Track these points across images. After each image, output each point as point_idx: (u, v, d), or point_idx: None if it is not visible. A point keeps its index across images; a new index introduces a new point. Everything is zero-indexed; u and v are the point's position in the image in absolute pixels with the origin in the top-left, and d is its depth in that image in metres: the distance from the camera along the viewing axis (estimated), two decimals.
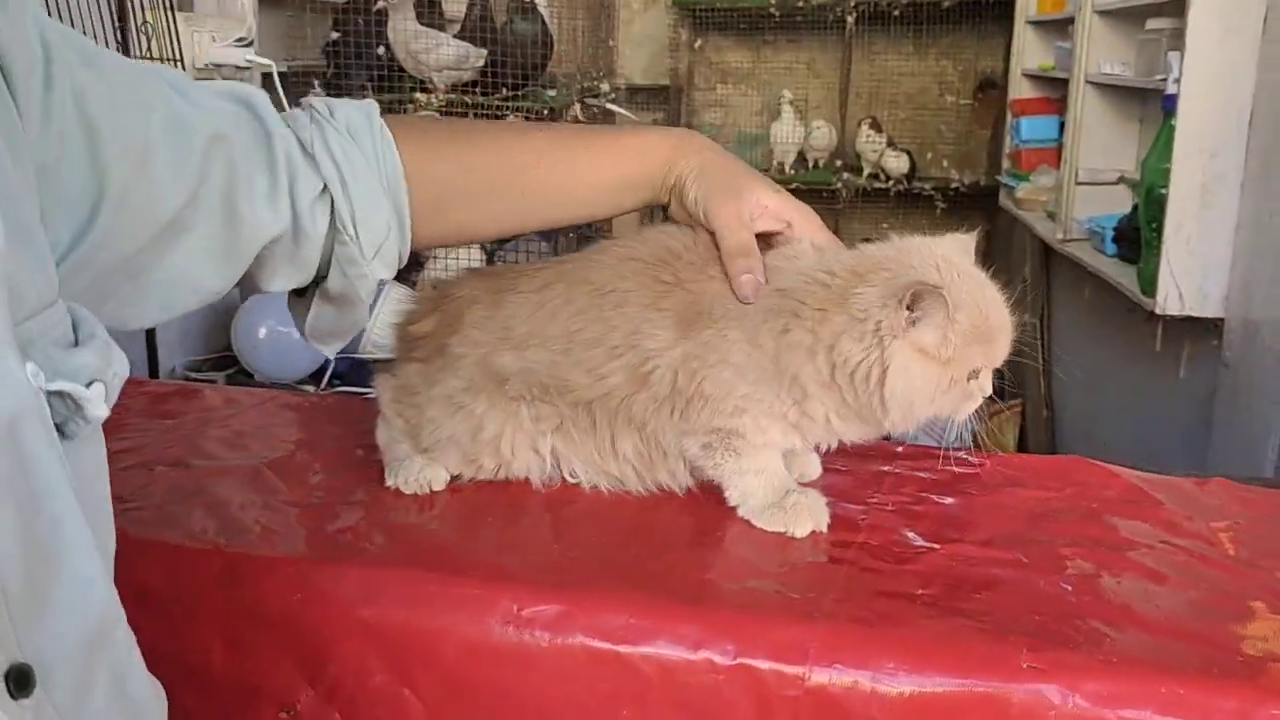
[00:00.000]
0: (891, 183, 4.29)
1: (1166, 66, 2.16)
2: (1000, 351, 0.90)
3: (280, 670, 0.85)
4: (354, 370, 2.44)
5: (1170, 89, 2.10)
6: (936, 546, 0.89)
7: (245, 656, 0.85)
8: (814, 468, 1.03)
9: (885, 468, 1.06)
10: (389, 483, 0.98)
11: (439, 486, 0.98)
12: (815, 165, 4.48)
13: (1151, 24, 2.45)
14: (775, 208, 0.95)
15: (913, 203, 4.43)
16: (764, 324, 0.89)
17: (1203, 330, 2.22)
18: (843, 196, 4.35)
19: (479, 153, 0.93)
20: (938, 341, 0.85)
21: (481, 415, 0.95)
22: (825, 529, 0.91)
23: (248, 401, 1.26)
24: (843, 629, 0.77)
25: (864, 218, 4.53)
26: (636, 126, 0.99)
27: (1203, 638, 0.76)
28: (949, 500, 0.99)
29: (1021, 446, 3.75)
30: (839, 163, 4.40)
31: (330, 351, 0.97)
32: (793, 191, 3.58)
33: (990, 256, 4.49)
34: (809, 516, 0.91)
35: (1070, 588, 0.82)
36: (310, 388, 2.32)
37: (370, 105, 0.91)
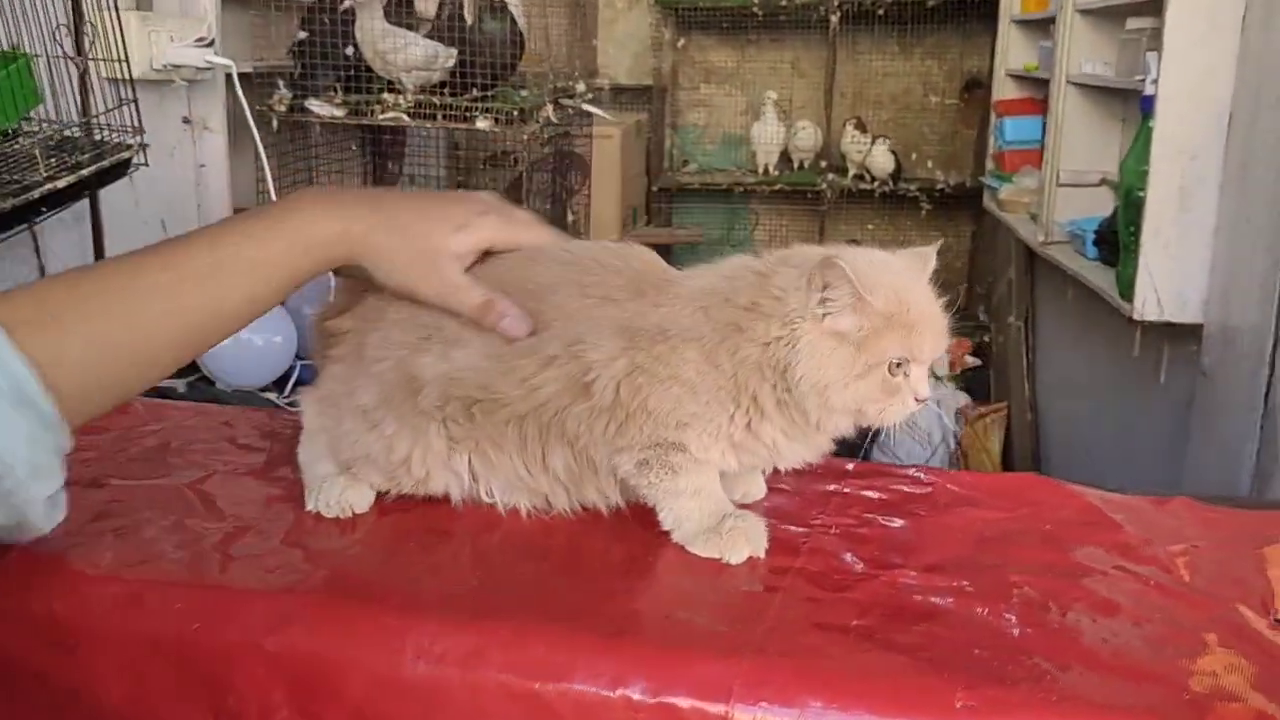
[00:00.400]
0: (877, 184, 4.24)
1: (1145, 67, 2.11)
2: (925, 346, 0.85)
3: (181, 703, 0.80)
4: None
5: (1148, 90, 2.06)
6: (878, 573, 0.85)
7: (146, 689, 0.81)
8: (758, 488, 0.98)
9: (833, 487, 1.01)
10: (308, 506, 0.94)
11: (361, 509, 0.93)
12: (800, 166, 4.44)
13: (1132, 23, 2.41)
14: (480, 242, 0.90)
15: (898, 204, 4.39)
16: (721, 344, 0.84)
17: (1183, 336, 2.18)
18: (827, 197, 4.31)
19: (115, 310, 0.80)
20: (848, 322, 0.82)
21: (391, 436, 0.90)
22: (763, 554, 0.87)
23: (177, 416, 1.21)
24: (769, 664, 0.73)
25: (849, 219, 4.49)
26: (276, 212, 0.88)
27: (1150, 674, 0.72)
28: (897, 522, 0.95)
29: (1006, 451, 3.72)
30: (824, 163, 4.36)
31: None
32: (776, 193, 3.56)
33: (975, 258, 4.46)
34: (745, 542, 0.86)
35: (1014, 619, 0.78)
36: (273, 395, 2.27)
37: None
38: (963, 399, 3.88)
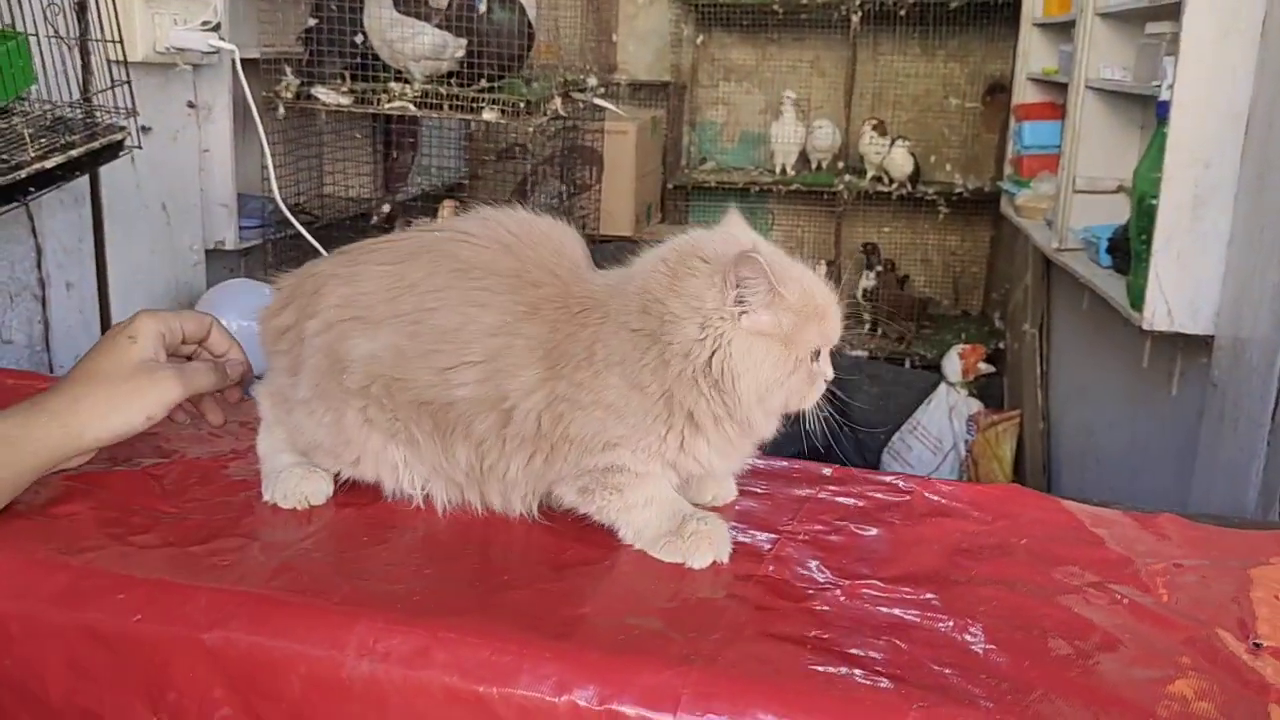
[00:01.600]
0: (895, 186, 4.19)
1: (1162, 72, 2.07)
2: (834, 329, 0.85)
3: (121, 696, 0.78)
4: None
5: (1164, 95, 2.01)
6: (843, 583, 0.82)
7: (85, 680, 0.79)
8: (728, 490, 0.96)
9: (807, 492, 0.98)
10: (265, 496, 0.92)
11: (317, 500, 0.91)
12: (818, 166, 4.39)
13: (1151, 28, 2.36)
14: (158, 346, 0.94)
15: (915, 207, 4.33)
16: (642, 363, 0.81)
17: (1194, 347, 2.13)
18: (844, 199, 4.26)
19: None
20: (767, 319, 0.81)
21: (329, 423, 0.88)
22: (726, 559, 0.84)
23: None
24: (719, 674, 0.70)
25: (866, 220, 4.44)
26: None
27: (1118, 699, 0.68)
28: (869, 531, 0.92)
29: (1018, 459, 3.67)
30: (842, 164, 4.31)
31: None
32: (792, 193, 3.52)
33: (993, 264, 4.40)
34: (709, 546, 0.84)
35: (980, 636, 0.75)
36: None
37: None
38: (975, 406, 3.83)
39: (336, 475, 0.93)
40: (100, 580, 0.80)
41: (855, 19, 4.14)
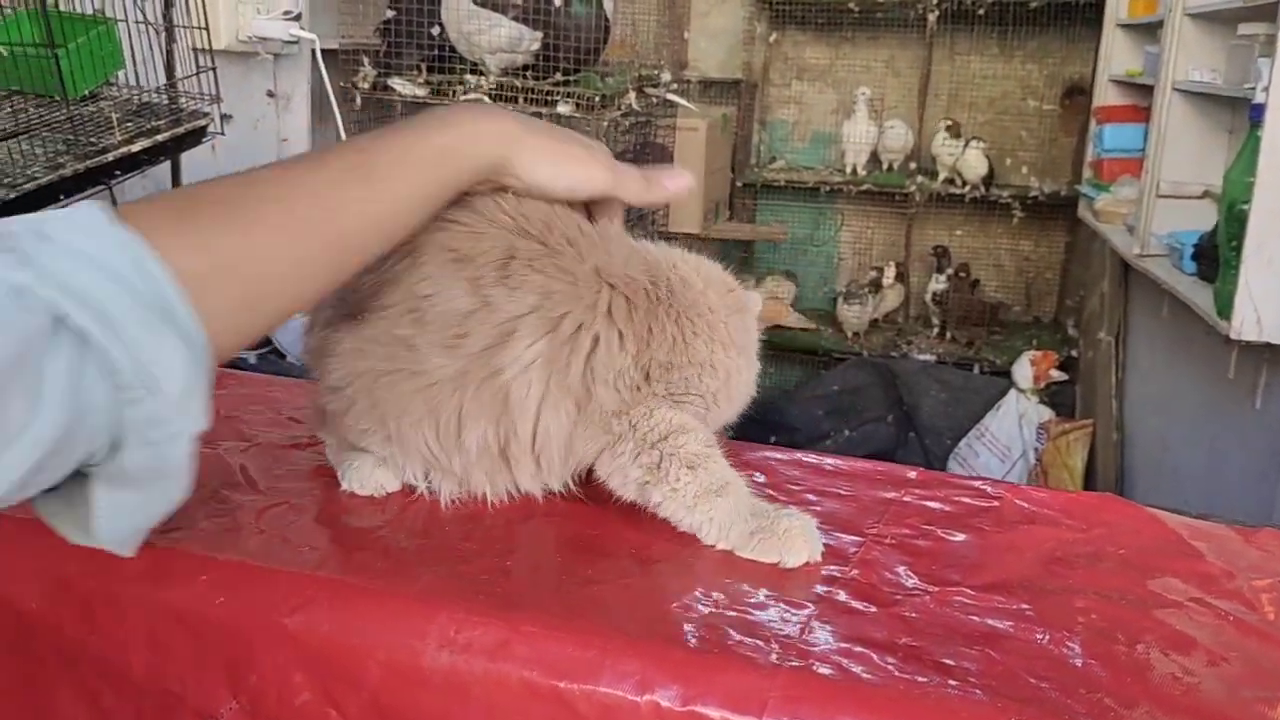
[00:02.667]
0: (968, 188, 4.13)
1: (1256, 74, 2.00)
2: None
3: (202, 678, 0.78)
4: None
5: (1258, 97, 1.95)
6: (932, 589, 0.79)
7: (167, 660, 0.79)
8: None
9: (893, 495, 0.96)
10: (343, 486, 0.91)
11: (393, 487, 0.91)
12: (889, 167, 4.34)
13: (1244, 29, 2.29)
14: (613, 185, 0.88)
15: (989, 210, 4.27)
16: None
17: None
18: (915, 200, 4.20)
19: (261, 232, 0.70)
20: None
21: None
22: (819, 557, 0.82)
23: (230, 384, 1.20)
24: (807, 679, 0.68)
25: (937, 223, 4.38)
26: (425, 126, 0.80)
27: (1223, 718, 0.65)
28: (958, 536, 0.89)
29: (1089, 469, 3.59)
30: (914, 165, 4.25)
31: (131, 551, 0.71)
32: (863, 194, 3.50)
33: (1068, 270, 4.32)
34: (804, 544, 0.81)
35: (1078, 648, 0.72)
36: None
37: (94, 209, 0.63)
38: (1046, 413, 3.76)
39: None
40: (183, 562, 0.80)
41: (932, 18, 4.09)
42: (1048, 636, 0.73)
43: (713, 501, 0.82)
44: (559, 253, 0.83)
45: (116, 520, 0.67)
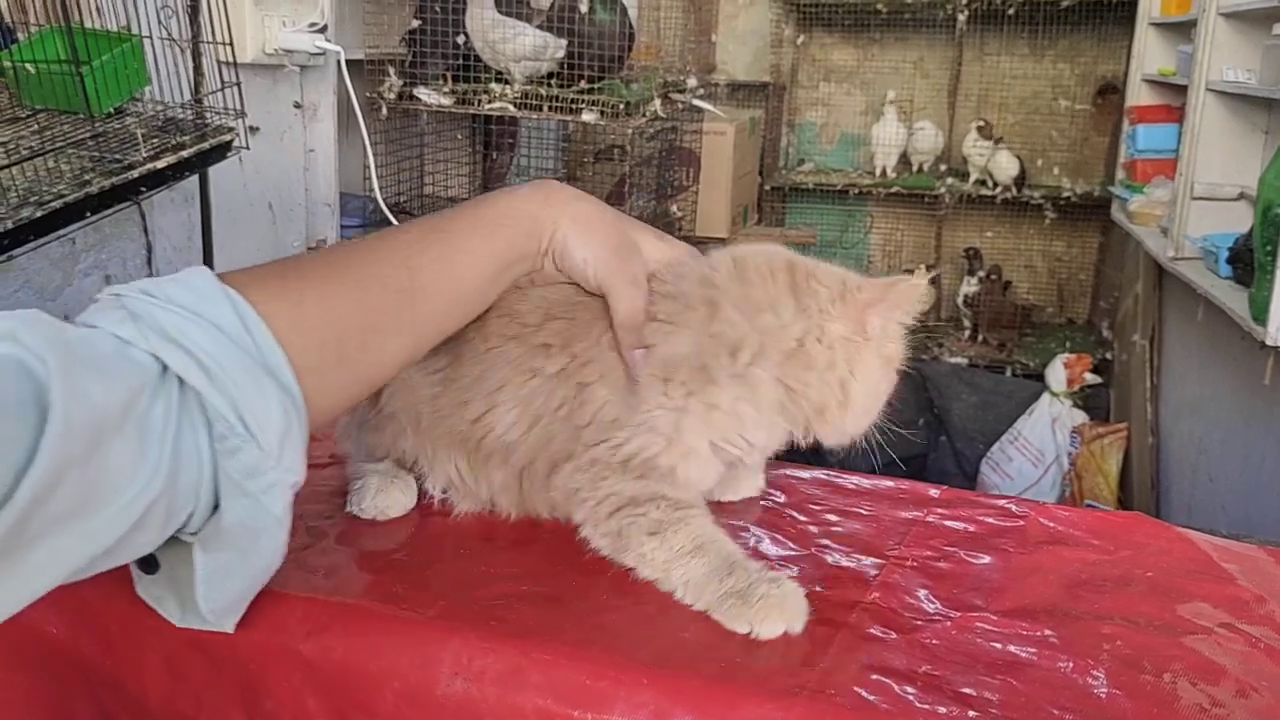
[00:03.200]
0: (999, 189, 4.09)
1: None
2: None
3: (218, 703, 0.78)
4: None
5: None
6: (954, 614, 0.78)
7: (183, 684, 0.79)
8: (755, 483, 0.94)
9: (914, 515, 0.95)
10: (348, 508, 0.91)
11: (396, 513, 0.90)
12: (919, 169, 4.31)
13: (1279, 29, 2.25)
14: (662, 258, 0.87)
15: (1020, 211, 4.22)
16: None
17: None
18: (946, 202, 4.17)
19: (349, 290, 0.73)
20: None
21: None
22: (800, 629, 0.75)
23: None
24: (823, 710, 0.67)
25: (967, 225, 4.34)
26: (492, 195, 0.85)
27: None
28: (981, 558, 0.88)
29: (1124, 473, 3.54)
30: (944, 167, 4.22)
31: (232, 625, 0.73)
32: (892, 196, 3.47)
33: (1101, 272, 4.27)
34: (779, 615, 0.74)
35: (1103, 678, 0.71)
36: None
37: (200, 270, 0.67)
38: (1080, 417, 3.72)
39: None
40: None
41: (962, 18, 4.05)
42: (1072, 665, 0.72)
43: (686, 563, 0.78)
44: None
45: (218, 588, 0.69)
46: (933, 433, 3.97)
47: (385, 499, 0.90)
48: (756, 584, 0.75)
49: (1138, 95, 3.42)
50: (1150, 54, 3.35)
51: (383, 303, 0.75)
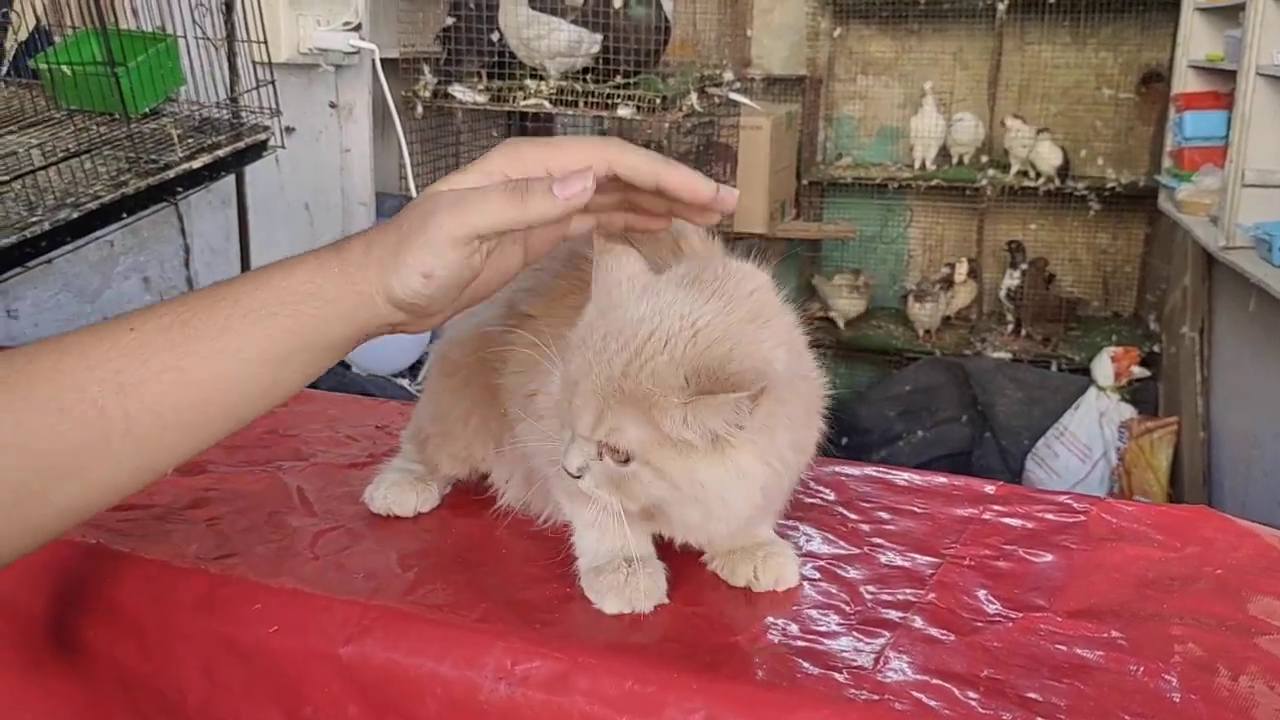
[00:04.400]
0: (1042, 180, 4.02)
1: None
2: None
3: (256, 709, 0.77)
4: None
5: None
6: (1015, 615, 0.75)
7: (221, 690, 0.77)
8: (779, 569, 0.79)
9: (970, 512, 0.91)
10: (361, 497, 0.90)
11: (402, 512, 0.89)
12: (959, 161, 4.24)
13: None
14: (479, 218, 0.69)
15: (1064, 203, 4.14)
16: None
17: None
18: (987, 194, 4.10)
19: (24, 418, 0.60)
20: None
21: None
22: (645, 609, 0.74)
23: (293, 401, 1.19)
24: (881, 715, 0.64)
25: (1010, 217, 4.27)
26: (264, 272, 0.68)
27: None
28: (1042, 557, 0.84)
29: (1174, 470, 3.47)
30: (985, 158, 4.15)
31: None
32: (932, 189, 3.40)
33: (1147, 263, 4.19)
34: (615, 595, 0.74)
35: (1175, 681, 0.67)
36: (406, 381, 2.27)
37: None
38: (1128, 411, 3.64)
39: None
40: (237, 588, 0.78)
41: (1001, 7, 3.99)
42: (1142, 668, 0.69)
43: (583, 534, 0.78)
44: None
45: None
46: (976, 429, 3.91)
47: (395, 495, 0.89)
48: (622, 565, 0.75)
49: (1184, 82, 3.34)
50: (1196, 39, 3.28)
51: (72, 438, 0.60)
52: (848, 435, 3.76)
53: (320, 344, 0.68)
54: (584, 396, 0.67)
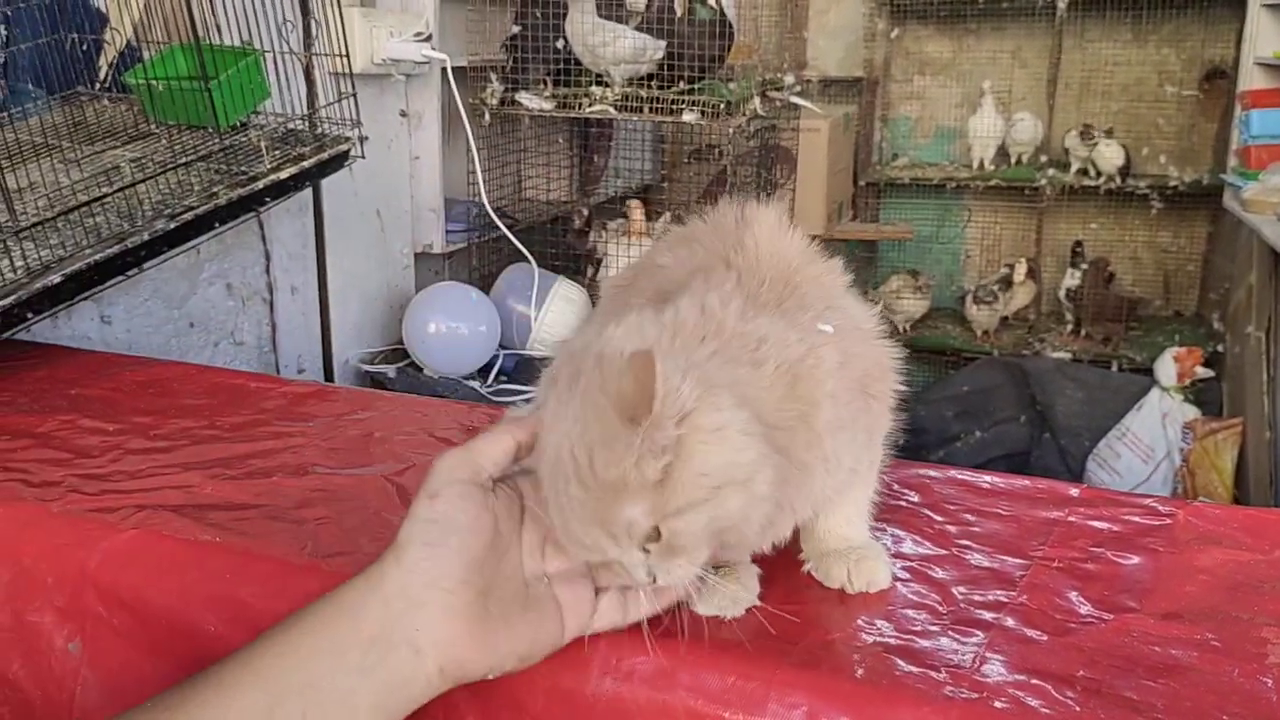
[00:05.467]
0: (1102, 179, 3.98)
1: None
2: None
3: None
4: (520, 368, 2.43)
5: None
6: (1107, 616, 0.76)
7: None
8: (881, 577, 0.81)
9: (1056, 514, 0.93)
10: None
11: None
12: (1018, 161, 4.22)
13: None
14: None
15: (1125, 202, 4.11)
16: None
17: None
18: (1046, 194, 4.08)
19: None
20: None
21: None
22: (738, 614, 0.75)
23: (383, 406, 1.23)
24: (983, 713, 0.66)
25: (1070, 217, 4.24)
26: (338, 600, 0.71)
27: None
28: (1130, 559, 0.86)
29: (1239, 472, 3.43)
30: (1044, 158, 4.12)
31: None
32: (990, 189, 3.38)
33: (1210, 262, 4.14)
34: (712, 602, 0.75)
35: (1271, 683, 0.69)
36: (477, 384, 2.31)
37: None
38: (1191, 412, 3.60)
39: None
40: None
41: (1062, 5, 3.96)
42: (1237, 670, 0.70)
43: None
44: None
45: None
46: (1035, 429, 3.89)
47: None
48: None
49: (1250, 79, 3.30)
50: (1263, 36, 3.24)
51: None
52: (904, 435, 3.76)
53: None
54: (588, 531, 0.67)
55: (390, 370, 2.32)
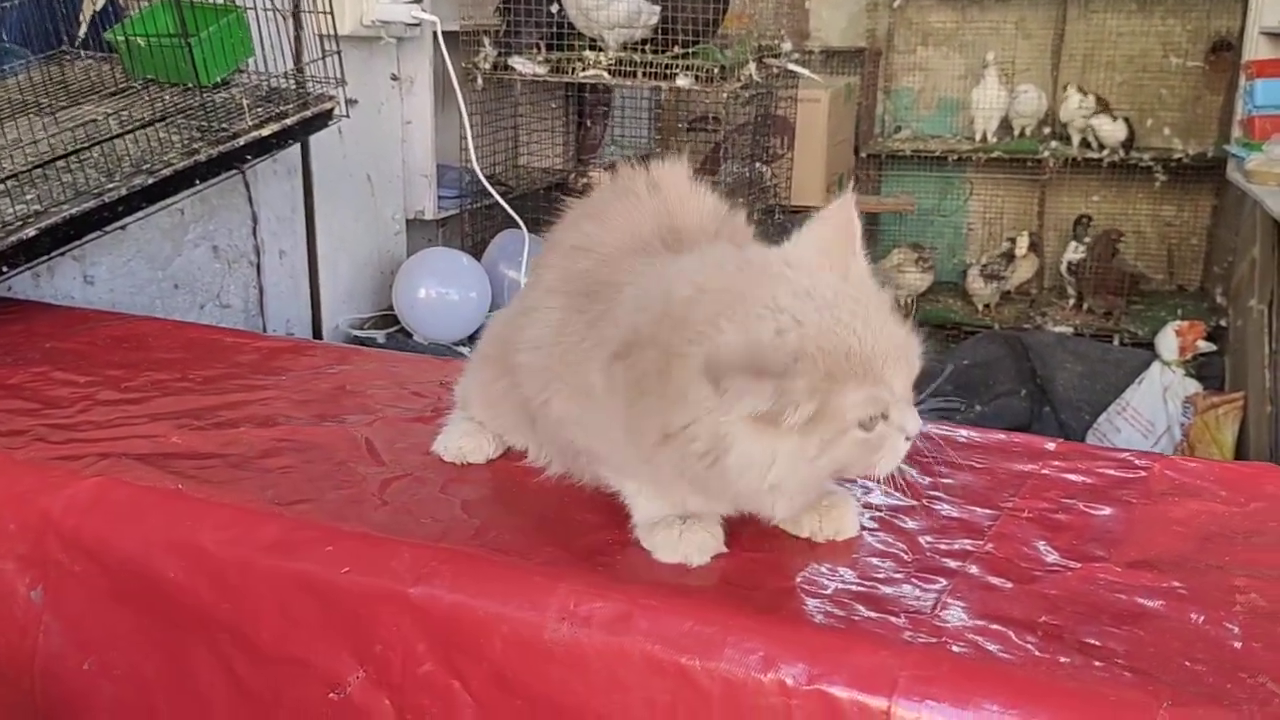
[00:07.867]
0: (1105, 152, 3.95)
1: None
2: (898, 376, 0.68)
3: (329, 645, 0.79)
4: None
5: None
6: (1074, 565, 0.75)
7: (295, 628, 0.80)
8: (848, 524, 0.80)
9: (1030, 467, 0.92)
10: (432, 448, 0.93)
11: (475, 459, 0.92)
12: (1021, 133, 4.18)
13: None
14: None
15: (1128, 175, 4.07)
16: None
17: None
18: (1049, 167, 4.04)
19: None
20: (775, 410, 0.64)
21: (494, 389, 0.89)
22: (703, 562, 0.75)
23: (357, 360, 1.22)
24: (939, 658, 0.65)
25: (1072, 190, 4.20)
26: None
27: None
28: (1102, 510, 0.84)
29: (1240, 445, 3.41)
30: (1047, 130, 4.09)
31: None
32: (993, 161, 3.34)
33: (1214, 235, 4.10)
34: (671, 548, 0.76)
35: (1237, 629, 0.68)
36: (465, 349, 2.30)
37: None
38: (1192, 386, 3.58)
39: None
40: (311, 532, 0.81)
41: None
42: (1203, 617, 0.69)
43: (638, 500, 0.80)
44: None
45: None
46: (1035, 403, 3.87)
47: (469, 442, 0.93)
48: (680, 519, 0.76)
49: (1255, 49, 3.26)
50: (1269, 5, 3.21)
51: None
52: None
53: None
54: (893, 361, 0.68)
55: (380, 335, 2.31)
